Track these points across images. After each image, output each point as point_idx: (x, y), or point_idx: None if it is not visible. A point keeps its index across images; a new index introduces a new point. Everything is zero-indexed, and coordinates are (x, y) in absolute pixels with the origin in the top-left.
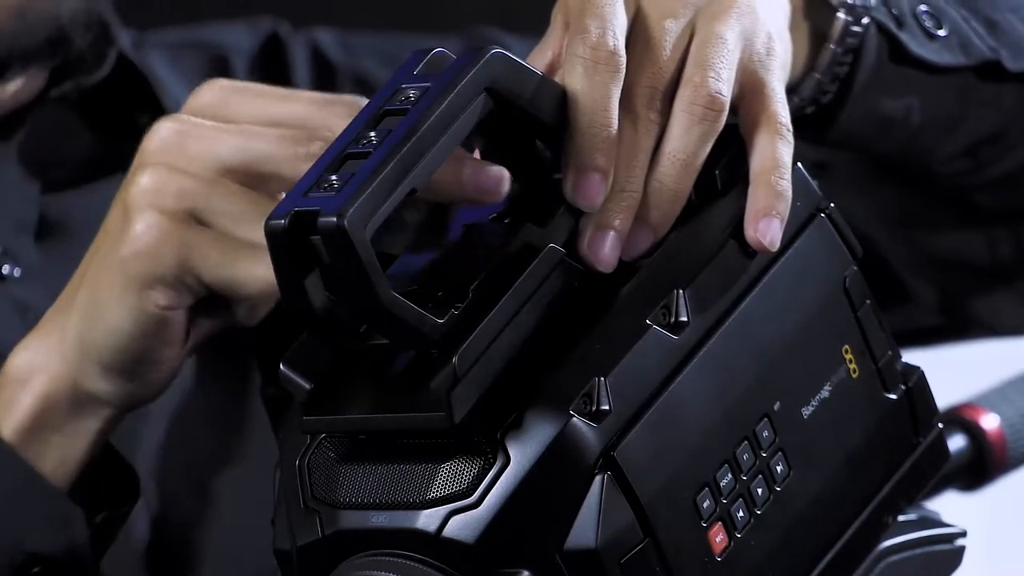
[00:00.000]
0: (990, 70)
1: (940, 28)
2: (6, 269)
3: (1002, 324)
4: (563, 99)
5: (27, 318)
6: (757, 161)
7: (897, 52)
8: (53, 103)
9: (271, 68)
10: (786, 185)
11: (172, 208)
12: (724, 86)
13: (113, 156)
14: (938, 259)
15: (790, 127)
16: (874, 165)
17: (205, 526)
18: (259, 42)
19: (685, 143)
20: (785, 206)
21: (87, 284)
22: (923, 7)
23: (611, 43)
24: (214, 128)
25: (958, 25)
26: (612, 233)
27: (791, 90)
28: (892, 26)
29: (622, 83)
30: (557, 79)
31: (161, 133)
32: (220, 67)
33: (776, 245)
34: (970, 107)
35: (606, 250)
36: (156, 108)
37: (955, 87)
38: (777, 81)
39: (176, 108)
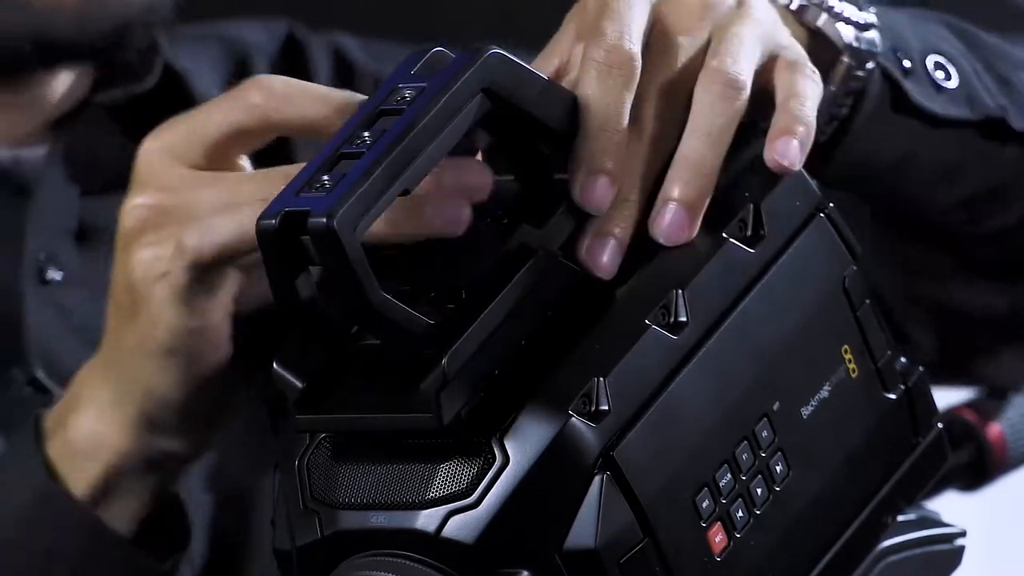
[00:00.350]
0: (994, 127)
1: (949, 79)
2: (50, 274)
3: (1001, 378)
4: (563, 101)
5: (70, 321)
6: (780, 93)
7: (899, 100)
8: (96, 109)
9: (292, 69)
10: (806, 112)
11: (177, 271)
12: (743, 69)
13: None
14: (936, 308)
15: (817, 71)
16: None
17: (240, 532)
18: (278, 42)
19: (709, 119)
20: (805, 131)
21: (126, 368)
22: (936, 57)
23: (628, 47)
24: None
25: (968, 78)
26: (612, 241)
27: None
28: (897, 74)
29: (635, 87)
30: (566, 85)
31: (135, 213)
32: (242, 65)
33: (795, 166)
34: (969, 160)
35: (605, 257)
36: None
37: (955, 139)
38: (800, 49)
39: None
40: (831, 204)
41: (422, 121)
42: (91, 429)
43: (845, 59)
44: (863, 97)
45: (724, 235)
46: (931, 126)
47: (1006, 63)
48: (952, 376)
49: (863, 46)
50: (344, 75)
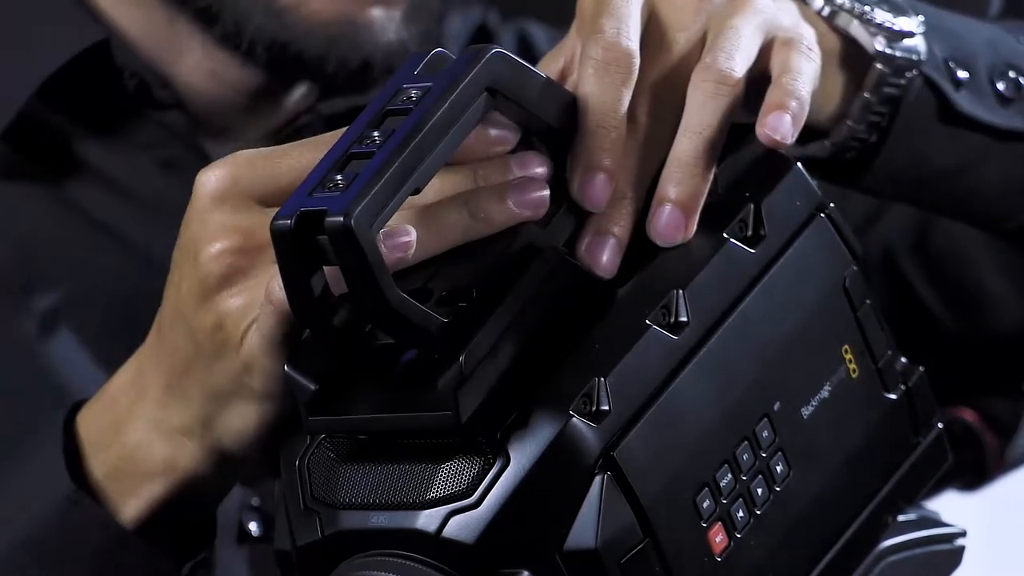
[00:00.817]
0: None
1: (1021, 91)
2: None
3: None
4: (565, 99)
5: None
6: (775, 70)
7: (947, 110)
8: (319, 120)
9: None
10: (799, 87)
11: (267, 317)
12: (736, 64)
13: None
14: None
15: (815, 48)
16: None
17: None
18: (469, 31)
19: (701, 117)
20: (798, 105)
21: (204, 406)
22: (1006, 69)
23: (625, 44)
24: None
25: None
26: (611, 240)
27: (823, 133)
28: (945, 84)
29: (633, 84)
30: (569, 84)
31: (221, 260)
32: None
33: (787, 140)
34: None
35: (605, 256)
36: None
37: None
38: (801, 30)
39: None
40: (831, 204)
41: (430, 120)
42: (162, 454)
43: (878, 66)
44: (901, 105)
45: (724, 235)
46: (996, 139)
47: None
48: (961, 338)
49: (899, 53)
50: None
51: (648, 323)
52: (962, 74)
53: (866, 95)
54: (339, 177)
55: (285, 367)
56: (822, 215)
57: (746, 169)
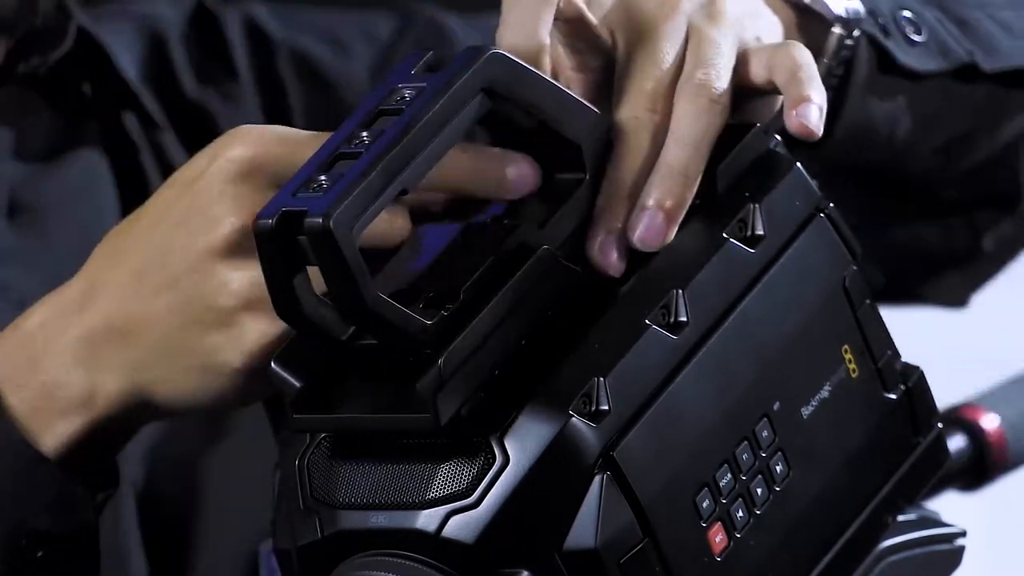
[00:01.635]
0: (966, 71)
1: (920, 33)
2: None
3: (943, 299)
4: (563, 101)
5: (8, 298)
6: (784, 71)
7: (885, 62)
8: (17, 81)
9: (206, 41)
10: (813, 80)
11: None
12: (724, 83)
13: (74, 133)
14: (891, 247)
15: (801, 44)
16: (847, 168)
17: (192, 517)
18: (187, 14)
19: (692, 129)
20: (820, 95)
21: (160, 351)
22: (904, 13)
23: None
24: None
25: (935, 29)
26: (623, 238)
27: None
28: (880, 36)
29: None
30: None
31: (228, 235)
32: (157, 40)
33: (819, 130)
34: (945, 108)
35: (615, 256)
36: (111, 81)
37: (935, 91)
38: (778, 35)
39: (129, 79)
40: (831, 204)
41: (421, 121)
42: (81, 390)
43: (836, 30)
44: (853, 65)
45: (724, 235)
46: (912, 82)
47: (959, 4)
48: (891, 300)
49: (850, 15)
50: (260, 49)
51: (648, 323)
52: (884, 24)
53: (826, 60)
54: (323, 178)
55: (272, 364)
56: (822, 215)
57: (746, 169)
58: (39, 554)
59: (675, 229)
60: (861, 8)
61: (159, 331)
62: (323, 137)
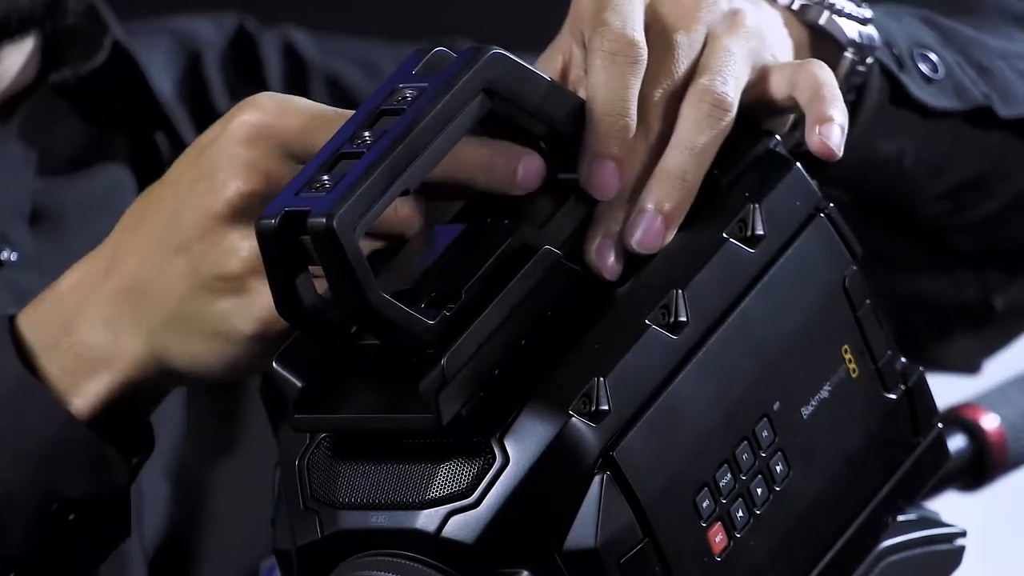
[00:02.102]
0: (980, 116)
1: (936, 72)
2: (4, 254)
3: (953, 362)
4: (567, 102)
5: (25, 303)
6: (806, 89)
7: (898, 94)
8: (47, 90)
9: (243, 62)
10: (838, 98)
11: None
12: (731, 90)
13: (103, 145)
14: (902, 299)
15: (824, 64)
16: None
17: (196, 521)
18: (228, 36)
19: (695, 135)
20: (842, 115)
21: (174, 316)
22: (922, 50)
23: (631, 34)
24: None
25: (952, 69)
26: (620, 242)
27: (793, 127)
28: (894, 67)
29: (642, 75)
30: (570, 84)
31: (241, 199)
32: (194, 58)
33: (840, 150)
34: (956, 150)
35: (612, 259)
36: (143, 97)
37: (947, 131)
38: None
39: (162, 98)
40: (831, 204)
41: (423, 121)
42: (104, 350)
43: (848, 55)
44: (864, 92)
45: (724, 235)
46: (924, 118)
47: (981, 51)
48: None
49: (864, 41)
50: (295, 70)
51: (648, 323)
52: (900, 57)
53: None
54: (326, 177)
55: (273, 363)
56: (822, 215)
57: (746, 169)
58: (70, 517)
59: (673, 233)
60: (876, 36)
61: (173, 295)
62: (341, 113)
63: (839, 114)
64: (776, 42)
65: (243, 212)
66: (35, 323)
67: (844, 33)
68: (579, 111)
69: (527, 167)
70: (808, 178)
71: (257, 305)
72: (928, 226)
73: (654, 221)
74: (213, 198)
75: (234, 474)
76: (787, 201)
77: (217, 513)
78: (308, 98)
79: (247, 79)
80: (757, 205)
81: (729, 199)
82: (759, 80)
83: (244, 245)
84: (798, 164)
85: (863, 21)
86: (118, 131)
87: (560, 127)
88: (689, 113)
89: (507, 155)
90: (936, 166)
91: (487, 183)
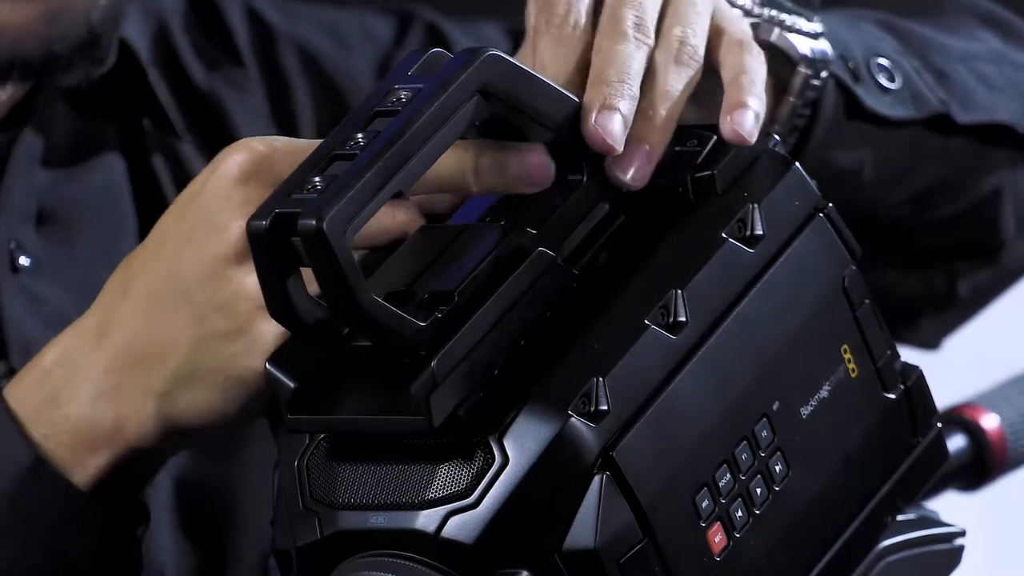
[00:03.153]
0: (939, 122)
1: (893, 80)
2: (21, 261)
3: (916, 341)
4: (563, 103)
5: (43, 310)
6: (730, 71)
7: (853, 106)
8: (54, 91)
9: (208, 29)
10: (758, 88)
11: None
12: (700, 42)
13: (94, 136)
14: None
15: (761, 52)
16: None
17: (199, 522)
18: (186, 2)
19: (672, 78)
20: (757, 103)
21: (183, 371)
22: (878, 60)
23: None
24: None
25: (910, 77)
26: (645, 147)
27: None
28: (849, 80)
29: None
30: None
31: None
32: (161, 27)
33: (752, 137)
34: (919, 157)
35: (635, 166)
36: (136, 83)
37: (906, 140)
38: (744, 27)
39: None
40: (830, 204)
41: (416, 123)
42: (109, 424)
43: (802, 70)
44: (819, 107)
45: (723, 235)
46: (882, 128)
47: (940, 56)
48: None
49: (817, 56)
50: (262, 37)
51: (647, 323)
52: (854, 69)
53: (792, 99)
54: (318, 179)
55: (266, 364)
56: (821, 215)
57: (745, 169)
58: None
59: (653, 162)
60: (829, 50)
61: (179, 351)
62: None
63: (755, 101)
64: (727, 11)
65: (246, 251)
66: (20, 398)
67: (796, 49)
68: (575, 112)
69: (538, 164)
70: (807, 178)
71: (266, 340)
72: (893, 228)
73: (644, 155)
74: (216, 241)
75: (243, 482)
76: (786, 201)
77: (219, 513)
78: (278, 66)
79: (215, 46)
80: (756, 205)
81: (728, 199)
82: (710, 46)
83: (249, 282)
84: (797, 164)
85: (815, 36)
86: (107, 119)
87: (557, 128)
88: (664, 58)
89: (518, 154)
90: (897, 174)
91: (500, 184)
